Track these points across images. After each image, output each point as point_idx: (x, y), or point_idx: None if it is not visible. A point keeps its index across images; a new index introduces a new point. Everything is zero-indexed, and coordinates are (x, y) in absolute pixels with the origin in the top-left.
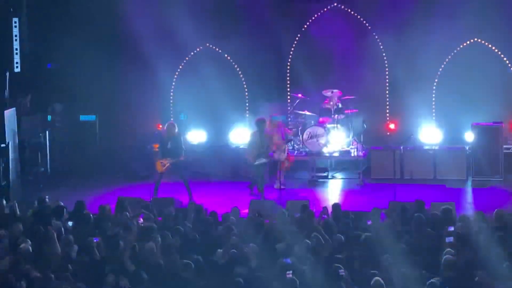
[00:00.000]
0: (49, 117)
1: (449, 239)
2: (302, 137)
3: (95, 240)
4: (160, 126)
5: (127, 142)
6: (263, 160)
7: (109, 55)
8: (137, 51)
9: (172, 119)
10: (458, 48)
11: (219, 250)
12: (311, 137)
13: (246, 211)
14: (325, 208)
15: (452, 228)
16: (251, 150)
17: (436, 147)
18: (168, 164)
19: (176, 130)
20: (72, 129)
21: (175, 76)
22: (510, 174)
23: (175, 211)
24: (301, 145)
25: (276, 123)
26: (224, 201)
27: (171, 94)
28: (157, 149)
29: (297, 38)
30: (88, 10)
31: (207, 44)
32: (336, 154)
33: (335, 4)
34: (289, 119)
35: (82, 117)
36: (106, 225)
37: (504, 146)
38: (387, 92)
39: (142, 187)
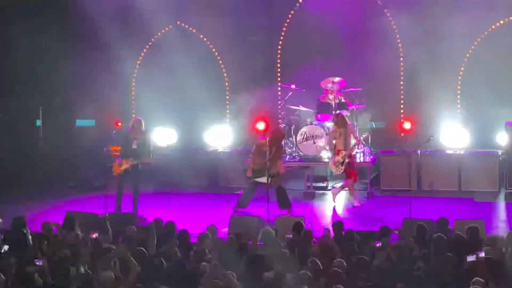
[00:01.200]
0: None
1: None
2: (296, 138)
3: (37, 263)
4: (119, 124)
5: (78, 144)
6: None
7: (55, 40)
8: (89, 34)
9: (134, 115)
10: (490, 29)
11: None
12: (306, 138)
13: (226, 230)
14: (327, 229)
15: (482, 254)
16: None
17: (462, 152)
18: (127, 165)
19: (144, 127)
20: (8, 130)
21: (138, 63)
22: None
23: (138, 230)
24: (294, 148)
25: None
26: (198, 218)
27: (133, 85)
28: (116, 152)
29: (290, 16)
30: None
31: (178, 22)
32: None
33: None
34: (280, 116)
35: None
36: (51, 247)
37: None
38: (401, 83)
39: (97, 200)
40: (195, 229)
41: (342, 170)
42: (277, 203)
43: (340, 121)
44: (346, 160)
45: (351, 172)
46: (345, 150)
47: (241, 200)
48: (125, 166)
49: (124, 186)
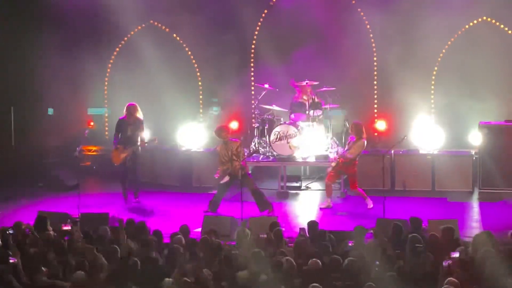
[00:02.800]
0: None
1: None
2: (269, 138)
3: (11, 261)
4: (92, 123)
5: (50, 143)
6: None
7: (26, 35)
8: (60, 31)
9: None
10: (463, 29)
11: (167, 279)
12: (280, 138)
13: (199, 229)
14: (303, 229)
15: (456, 254)
16: None
17: (436, 152)
18: (126, 154)
19: (140, 113)
20: None
21: (110, 62)
22: None
23: (111, 230)
24: (268, 148)
25: None
26: (172, 217)
27: (105, 84)
28: (87, 152)
29: (263, 14)
30: None
31: (151, 21)
32: (311, 160)
33: None
34: (253, 115)
35: None
36: (24, 247)
37: None
38: (375, 83)
39: (69, 199)
40: (168, 229)
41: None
42: (257, 206)
43: (352, 128)
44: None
45: (332, 173)
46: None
47: (212, 202)
48: (123, 154)
49: (127, 174)
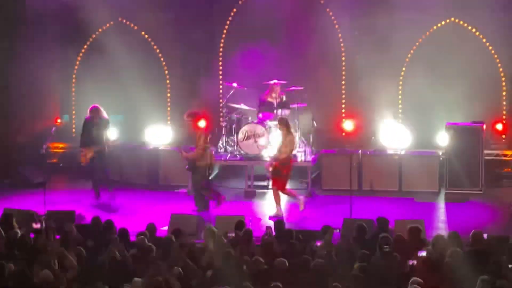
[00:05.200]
0: None
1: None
2: (237, 136)
3: None
4: (59, 120)
5: (16, 140)
6: None
7: None
8: (28, 28)
9: (74, 112)
10: (431, 30)
11: (136, 279)
12: (248, 137)
13: (166, 228)
14: (269, 228)
15: (423, 253)
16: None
17: (403, 152)
18: (91, 154)
19: (104, 113)
20: None
21: (78, 60)
22: (491, 186)
23: (77, 228)
24: (235, 147)
25: None
26: (139, 216)
27: (73, 81)
28: (54, 149)
29: (232, 13)
30: None
31: (119, 19)
32: None
33: None
34: (221, 114)
35: None
36: None
37: (485, 151)
38: (343, 82)
39: (35, 196)
40: (134, 227)
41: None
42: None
43: (282, 123)
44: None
45: (274, 178)
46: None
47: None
48: (90, 154)
49: (96, 172)
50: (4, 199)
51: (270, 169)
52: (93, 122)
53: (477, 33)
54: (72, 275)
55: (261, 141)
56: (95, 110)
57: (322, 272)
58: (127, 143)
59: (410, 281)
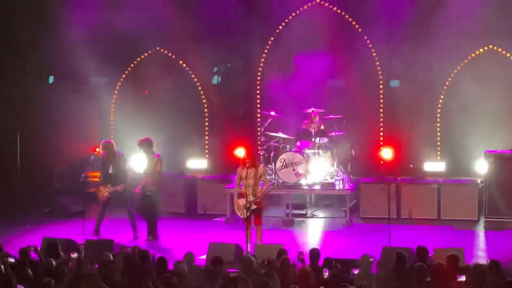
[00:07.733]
0: None
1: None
2: (275, 165)
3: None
4: (97, 149)
5: (56, 169)
6: None
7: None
8: (66, 56)
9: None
10: (469, 57)
11: None
12: (286, 165)
13: (204, 257)
14: (300, 253)
15: (462, 278)
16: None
17: (441, 180)
18: (107, 193)
19: (116, 150)
20: None
21: (117, 88)
22: None
23: (115, 257)
24: (273, 175)
25: None
26: (177, 244)
27: (112, 109)
28: (93, 178)
29: (270, 42)
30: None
31: (158, 48)
32: (317, 187)
33: (317, 0)
34: (259, 142)
35: None
36: (29, 273)
37: None
38: (381, 110)
39: (74, 225)
40: (172, 256)
41: (244, 216)
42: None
43: (251, 161)
44: (253, 207)
45: (259, 215)
46: (251, 195)
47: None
48: (107, 193)
49: (105, 211)
50: (43, 227)
51: (254, 207)
52: (107, 159)
53: None
54: None
55: (300, 169)
56: (108, 146)
57: None
58: (164, 172)
59: None
